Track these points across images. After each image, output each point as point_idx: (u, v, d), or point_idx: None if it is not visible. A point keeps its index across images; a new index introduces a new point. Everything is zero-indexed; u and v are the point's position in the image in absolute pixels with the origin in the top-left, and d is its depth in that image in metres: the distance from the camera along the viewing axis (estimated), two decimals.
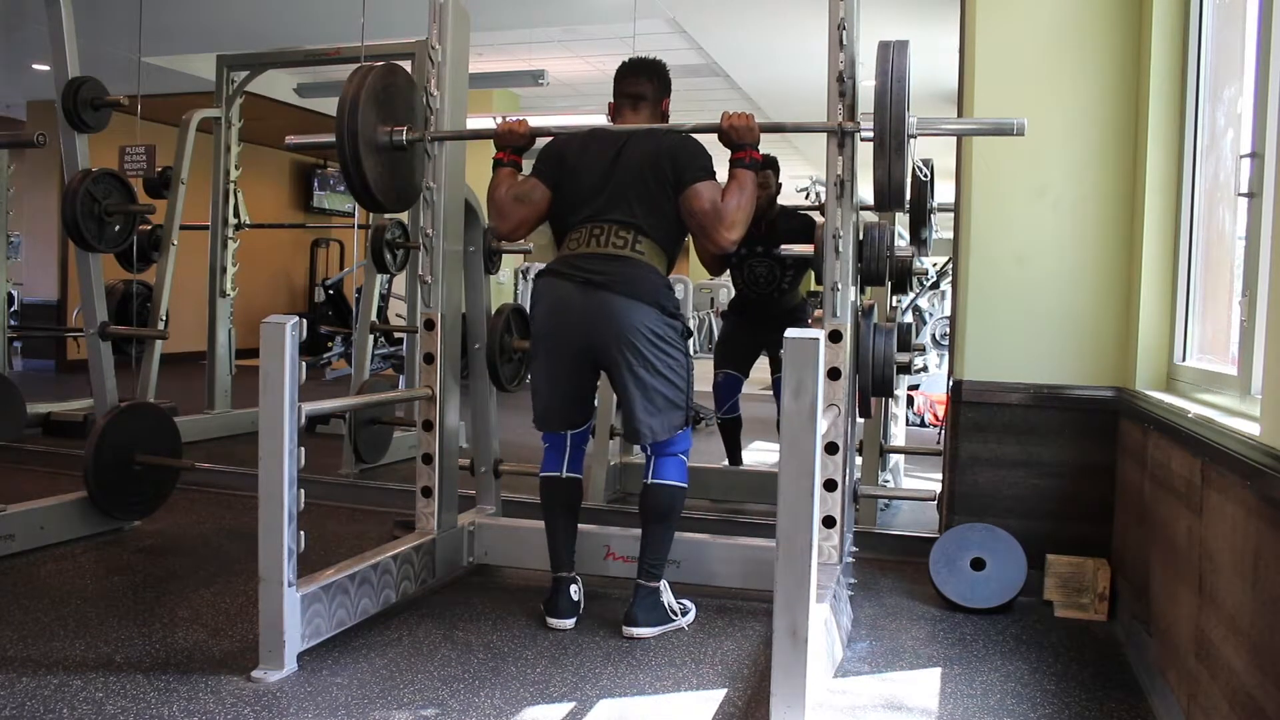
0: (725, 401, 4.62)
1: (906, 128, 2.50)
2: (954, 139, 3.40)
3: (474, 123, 3.27)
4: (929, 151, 4.25)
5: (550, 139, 2.95)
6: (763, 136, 2.74)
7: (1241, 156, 2.26)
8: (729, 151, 2.77)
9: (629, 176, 2.76)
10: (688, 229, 2.80)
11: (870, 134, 2.54)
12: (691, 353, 2.90)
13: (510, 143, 2.89)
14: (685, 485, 2.86)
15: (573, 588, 2.82)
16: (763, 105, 8.26)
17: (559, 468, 2.90)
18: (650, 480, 2.83)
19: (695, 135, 2.82)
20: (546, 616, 2.79)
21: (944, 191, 4.16)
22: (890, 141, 2.50)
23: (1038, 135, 3.19)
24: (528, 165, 2.95)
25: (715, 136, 2.77)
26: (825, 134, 2.72)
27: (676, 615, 2.80)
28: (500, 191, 2.87)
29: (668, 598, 2.80)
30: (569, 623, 2.77)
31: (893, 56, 2.51)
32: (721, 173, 2.78)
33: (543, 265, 2.95)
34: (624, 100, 2.91)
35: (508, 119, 2.93)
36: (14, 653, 2.50)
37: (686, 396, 2.82)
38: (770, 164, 4.36)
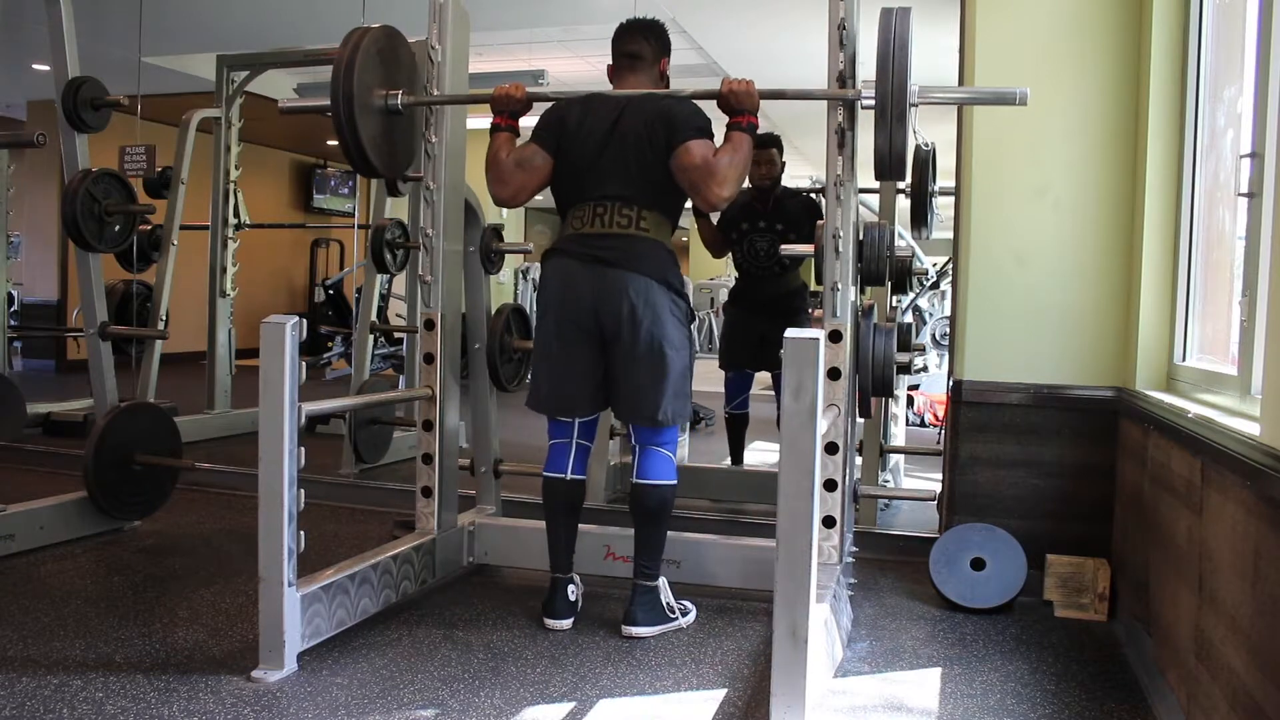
0: (735, 397, 4.63)
1: (908, 95, 2.46)
2: (954, 138, 3.40)
3: (473, 122, 3.26)
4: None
5: (549, 105, 2.90)
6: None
7: (1241, 156, 2.26)
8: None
9: (627, 144, 2.73)
10: (682, 187, 2.74)
11: (872, 101, 2.51)
12: (694, 340, 2.88)
13: (507, 107, 2.83)
14: (675, 482, 2.82)
15: (570, 588, 2.82)
16: (763, 104, 8.25)
17: (564, 469, 2.87)
18: (639, 481, 2.80)
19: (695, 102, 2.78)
20: (544, 617, 2.79)
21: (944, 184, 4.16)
22: (892, 108, 2.45)
23: (1038, 135, 3.20)
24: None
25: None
26: (826, 131, 2.71)
27: (676, 615, 2.80)
28: (501, 156, 2.81)
29: (667, 597, 2.79)
30: (566, 623, 2.77)
31: (895, 22, 2.49)
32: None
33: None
34: (622, 60, 2.89)
35: (504, 85, 2.87)
36: (14, 653, 2.50)
37: (688, 380, 2.80)
38: (774, 142, 4.37)
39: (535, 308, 2.92)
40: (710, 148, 2.68)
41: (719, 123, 2.74)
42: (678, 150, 2.68)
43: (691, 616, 2.85)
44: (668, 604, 2.79)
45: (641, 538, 2.81)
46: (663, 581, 2.81)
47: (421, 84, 2.95)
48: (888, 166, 2.53)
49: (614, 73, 2.91)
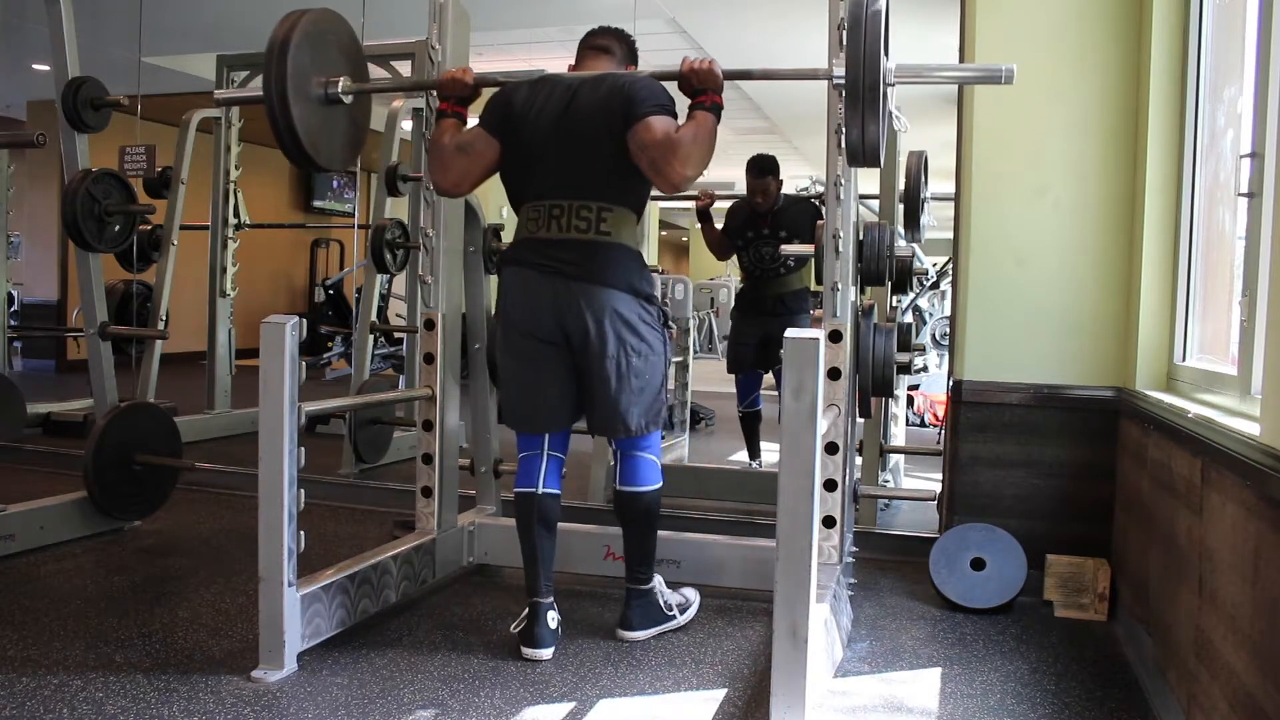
0: (746, 395, 4.79)
1: (882, 72, 2.16)
2: (954, 138, 3.40)
3: (473, 122, 3.26)
4: (928, 147, 4.24)
5: (497, 89, 2.69)
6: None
7: (1241, 156, 2.26)
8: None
9: (581, 128, 2.52)
10: (641, 168, 2.49)
11: (842, 79, 2.20)
12: (672, 340, 2.78)
13: (453, 92, 2.66)
14: (659, 485, 2.71)
15: (551, 614, 2.60)
16: (763, 105, 8.27)
17: (535, 483, 2.66)
18: (623, 488, 2.69)
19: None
20: (522, 646, 2.56)
21: (942, 189, 4.18)
22: (864, 86, 2.14)
23: (1038, 135, 3.20)
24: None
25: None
26: (826, 131, 2.71)
27: (674, 612, 2.78)
28: (443, 141, 2.62)
29: (663, 596, 2.77)
30: (547, 653, 2.55)
31: None
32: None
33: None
34: (587, 51, 2.72)
35: (451, 69, 2.73)
36: (14, 653, 2.50)
37: (663, 387, 2.69)
38: (770, 168, 4.46)
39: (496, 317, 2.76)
40: (672, 124, 2.46)
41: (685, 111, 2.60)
42: (636, 126, 2.45)
43: (692, 610, 2.83)
44: (665, 603, 2.77)
45: (630, 543, 2.73)
46: (657, 580, 2.78)
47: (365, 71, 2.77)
48: (860, 151, 2.24)
49: (577, 61, 2.74)
